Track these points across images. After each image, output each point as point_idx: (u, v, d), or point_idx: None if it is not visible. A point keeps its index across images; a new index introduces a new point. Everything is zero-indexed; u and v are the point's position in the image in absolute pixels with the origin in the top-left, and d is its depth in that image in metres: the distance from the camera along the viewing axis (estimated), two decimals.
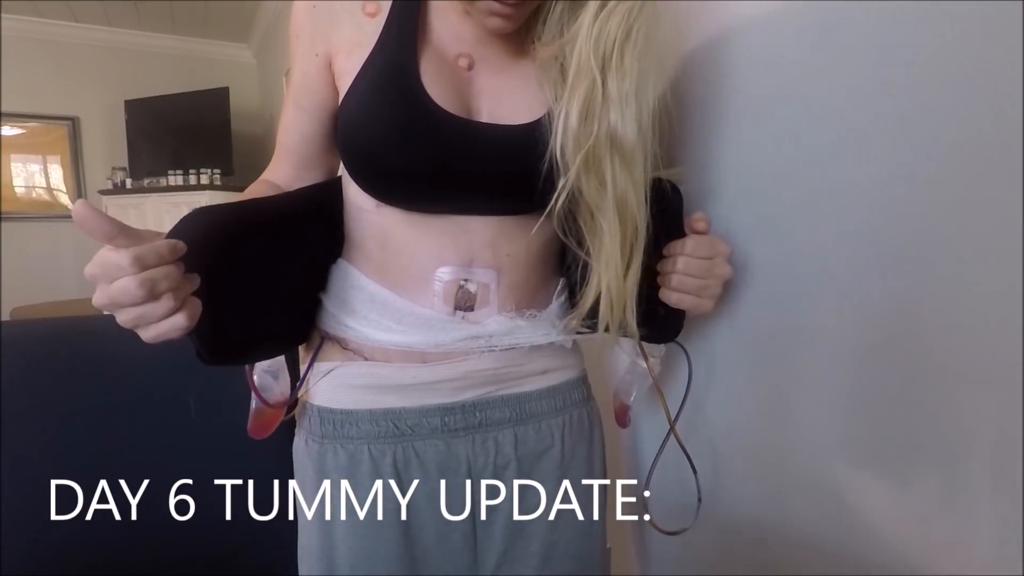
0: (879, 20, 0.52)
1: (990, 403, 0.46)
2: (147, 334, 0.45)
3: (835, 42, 0.56)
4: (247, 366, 0.64)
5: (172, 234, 0.48)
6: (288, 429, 0.75)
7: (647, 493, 0.76)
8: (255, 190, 0.66)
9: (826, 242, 0.59)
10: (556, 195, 0.56)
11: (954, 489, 0.50)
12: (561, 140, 0.55)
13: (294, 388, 0.66)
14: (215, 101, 4.04)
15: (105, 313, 0.45)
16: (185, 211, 0.53)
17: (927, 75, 0.48)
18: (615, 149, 0.54)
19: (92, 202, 0.41)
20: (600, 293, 0.58)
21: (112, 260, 0.41)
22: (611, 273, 0.57)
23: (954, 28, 0.46)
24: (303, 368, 0.67)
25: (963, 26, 0.45)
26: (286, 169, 0.68)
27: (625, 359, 0.78)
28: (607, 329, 0.60)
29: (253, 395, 0.64)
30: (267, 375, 0.66)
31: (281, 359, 0.67)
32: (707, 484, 0.75)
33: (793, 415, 0.65)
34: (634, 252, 0.58)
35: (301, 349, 0.69)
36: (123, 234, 0.42)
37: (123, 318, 0.44)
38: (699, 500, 0.74)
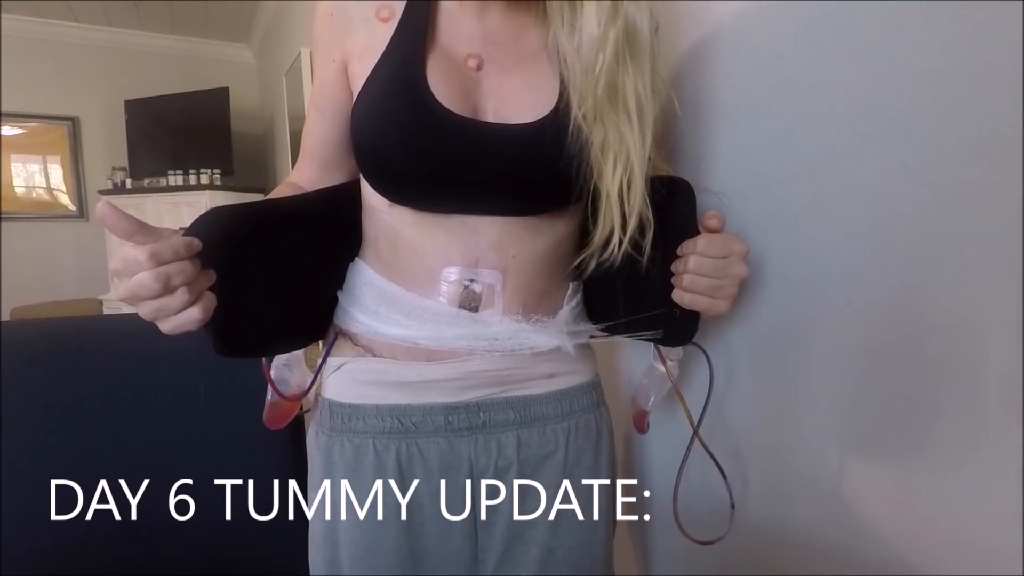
0: (880, 20, 0.52)
1: (990, 403, 0.46)
2: (165, 326, 0.48)
3: (836, 42, 0.56)
4: (264, 360, 0.66)
5: (188, 232, 0.50)
6: (290, 431, 0.76)
7: (675, 501, 0.73)
8: (280, 191, 0.69)
9: (830, 242, 0.59)
10: (593, 85, 0.55)
11: (955, 489, 0.50)
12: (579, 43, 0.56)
13: (310, 382, 0.68)
14: (215, 101, 4.04)
15: (107, 312, 0.46)
16: (185, 211, 0.56)
17: (927, 75, 0.48)
18: (631, 46, 0.56)
19: (92, 202, 0.43)
20: (610, 234, 0.58)
21: (131, 256, 0.45)
22: (637, 157, 0.56)
23: (954, 28, 0.46)
24: (318, 363, 0.68)
25: (963, 26, 0.45)
26: (309, 171, 0.70)
27: (643, 363, 0.77)
28: (624, 230, 0.58)
29: (269, 387, 0.66)
30: (284, 368, 0.68)
31: (298, 353, 0.69)
32: (720, 486, 0.72)
33: (799, 415, 0.65)
34: (647, 143, 0.58)
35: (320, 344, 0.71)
36: (142, 231, 0.45)
37: (143, 311, 0.47)
38: (732, 507, 0.70)
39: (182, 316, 0.47)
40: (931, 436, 0.51)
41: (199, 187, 3.81)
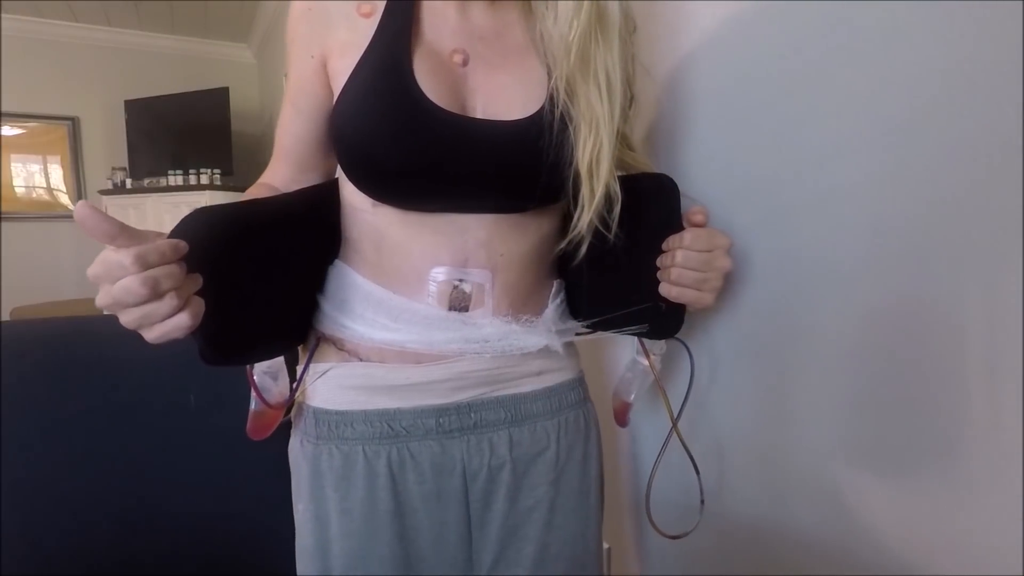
0: (879, 20, 0.52)
1: (990, 403, 0.46)
2: (151, 334, 0.45)
3: (835, 41, 0.56)
4: (248, 367, 0.64)
5: (174, 234, 0.48)
6: (287, 430, 0.75)
7: (647, 494, 0.75)
8: (254, 193, 0.66)
9: (826, 241, 0.59)
10: (567, 59, 0.56)
11: (955, 489, 0.50)
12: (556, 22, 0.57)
13: (292, 389, 0.66)
14: (215, 101, 4.04)
15: (105, 313, 0.45)
16: (185, 211, 0.53)
17: (927, 75, 0.48)
18: (602, 25, 0.56)
19: (92, 202, 0.41)
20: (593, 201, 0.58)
21: (114, 260, 0.41)
22: (606, 131, 0.57)
23: (954, 28, 0.46)
24: (299, 369, 0.66)
25: (963, 26, 0.45)
26: (284, 171, 0.68)
27: (625, 358, 0.78)
28: (590, 203, 0.58)
29: (253, 396, 0.64)
30: (267, 376, 0.65)
31: (280, 360, 0.66)
32: (709, 484, 0.74)
33: (793, 414, 0.65)
34: (615, 119, 0.58)
35: (299, 350, 0.69)
36: (124, 234, 0.42)
37: (127, 319, 0.44)
38: (702, 502, 0.72)
39: (170, 323, 0.44)
40: (929, 435, 0.51)
41: (199, 187, 3.81)
